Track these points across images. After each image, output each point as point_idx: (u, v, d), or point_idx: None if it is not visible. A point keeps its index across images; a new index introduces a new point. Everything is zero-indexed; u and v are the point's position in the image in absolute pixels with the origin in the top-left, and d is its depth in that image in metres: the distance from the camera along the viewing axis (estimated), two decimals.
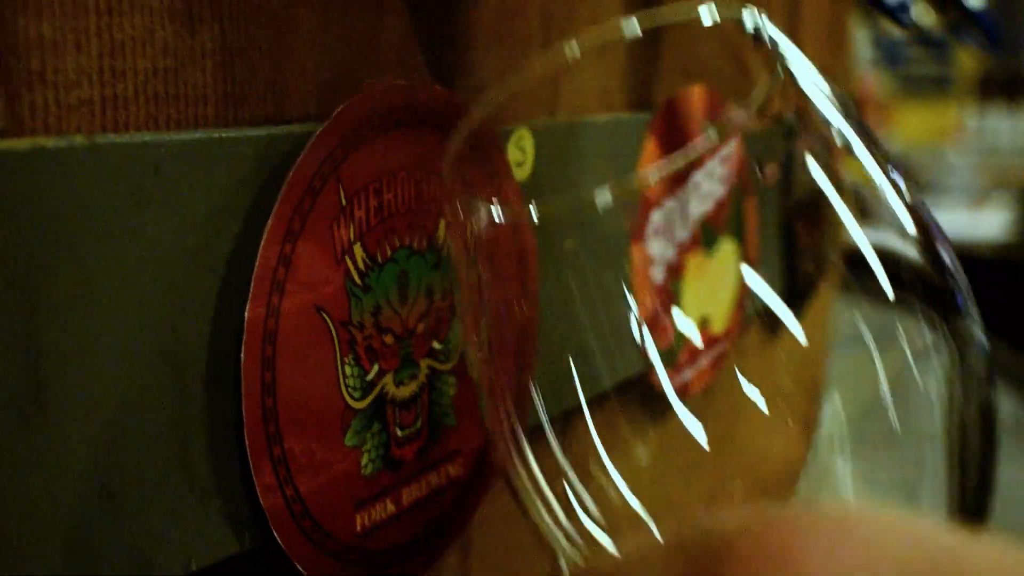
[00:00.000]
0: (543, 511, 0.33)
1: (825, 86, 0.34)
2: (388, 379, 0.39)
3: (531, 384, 0.34)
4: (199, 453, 0.34)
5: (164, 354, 0.33)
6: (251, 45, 0.36)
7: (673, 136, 0.57)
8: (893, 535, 0.21)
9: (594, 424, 0.33)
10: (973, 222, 2.60)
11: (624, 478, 0.33)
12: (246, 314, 0.34)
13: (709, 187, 0.50)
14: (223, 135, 0.34)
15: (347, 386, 0.37)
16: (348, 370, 0.38)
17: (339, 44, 0.39)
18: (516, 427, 0.33)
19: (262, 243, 0.34)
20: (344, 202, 0.37)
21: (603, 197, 0.30)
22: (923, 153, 3.17)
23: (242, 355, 0.34)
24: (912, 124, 3.20)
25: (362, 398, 0.38)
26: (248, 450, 0.34)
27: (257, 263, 0.34)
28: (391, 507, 0.40)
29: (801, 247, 0.35)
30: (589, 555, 0.32)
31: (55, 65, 0.31)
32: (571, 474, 0.33)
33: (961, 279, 0.31)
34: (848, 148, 0.33)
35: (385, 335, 0.39)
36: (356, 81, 0.40)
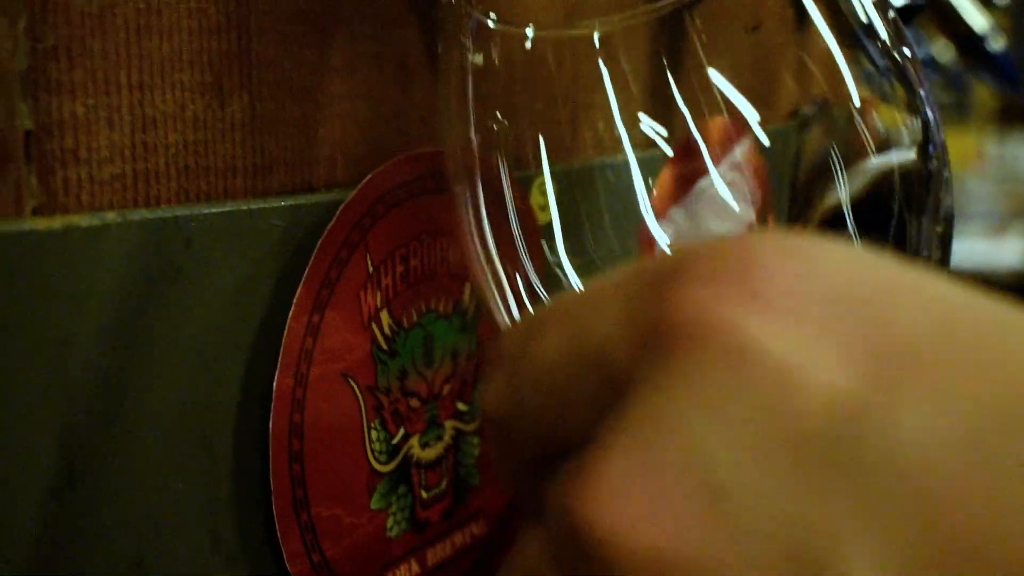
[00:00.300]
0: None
1: None
2: (414, 442, 0.40)
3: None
4: (227, 522, 0.34)
5: (193, 426, 0.33)
6: (280, 116, 0.37)
7: (689, 168, 0.57)
8: (853, 262, 0.20)
9: None
10: (993, 250, 2.59)
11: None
12: (275, 384, 0.34)
13: (726, 202, 0.50)
14: (252, 207, 0.35)
15: (373, 451, 0.38)
16: (374, 435, 0.38)
17: (367, 113, 0.40)
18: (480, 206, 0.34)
19: (290, 314, 0.35)
20: (371, 269, 0.37)
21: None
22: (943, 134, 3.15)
23: (271, 425, 0.34)
24: None
25: (388, 462, 0.38)
26: (276, 518, 0.35)
27: (285, 334, 0.35)
28: (416, 568, 0.40)
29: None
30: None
31: (88, 142, 0.32)
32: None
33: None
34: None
35: (411, 399, 0.39)
36: (384, 148, 0.40)
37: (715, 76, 0.39)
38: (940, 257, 0.35)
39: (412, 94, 0.42)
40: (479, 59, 0.37)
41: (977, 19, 0.73)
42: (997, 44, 0.86)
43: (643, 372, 0.20)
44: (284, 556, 0.35)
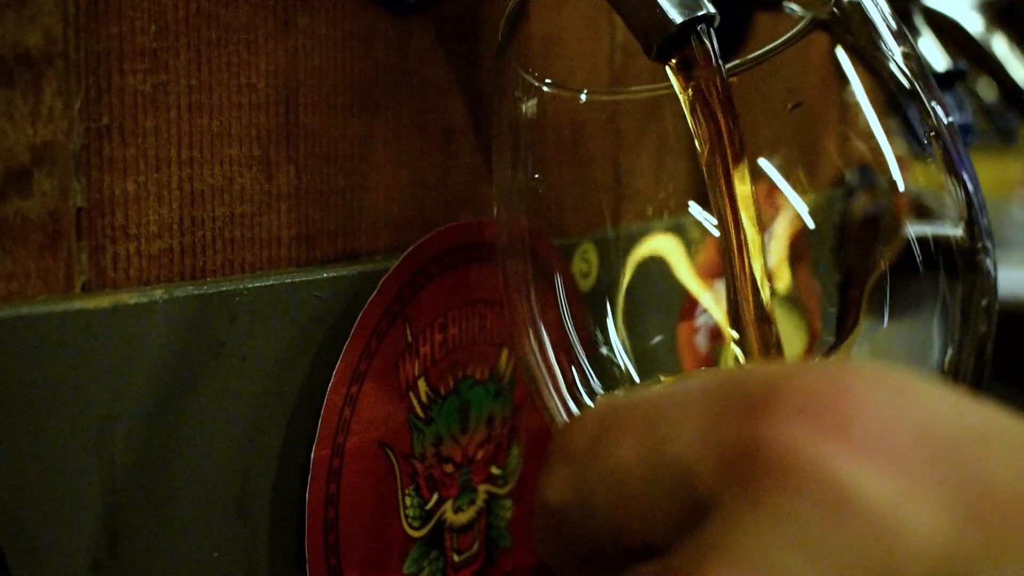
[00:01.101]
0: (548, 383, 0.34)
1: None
2: (447, 506, 0.40)
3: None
4: None
5: (232, 498, 0.34)
6: (325, 186, 0.38)
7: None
8: (944, 404, 0.21)
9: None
10: None
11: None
12: (312, 455, 0.35)
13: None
14: (295, 279, 0.36)
15: (407, 516, 0.38)
16: (408, 500, 0.38)
17: (410, 181, 0.40)
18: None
19: (330, 386, 0.35)
20: (410, 339, 0.38)
21: None
22: (988, 209, 3.13)
23: (307, 495, 0.35)
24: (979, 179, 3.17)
25: (421, 527, 0.39)
26: None
27: (324, 406, 0.35)
28: None
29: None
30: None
31: (138, 218, 0.33)
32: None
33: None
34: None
35: (446, 464, 0.40)
36: (426, 215, 0.41)
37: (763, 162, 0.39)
38: (985, 331, 0.35)
39: (456, 160, 0.42)
40: (531, 113, 0.37)
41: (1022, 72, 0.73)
42: None
43: (731, 501, 0.20)
44: None
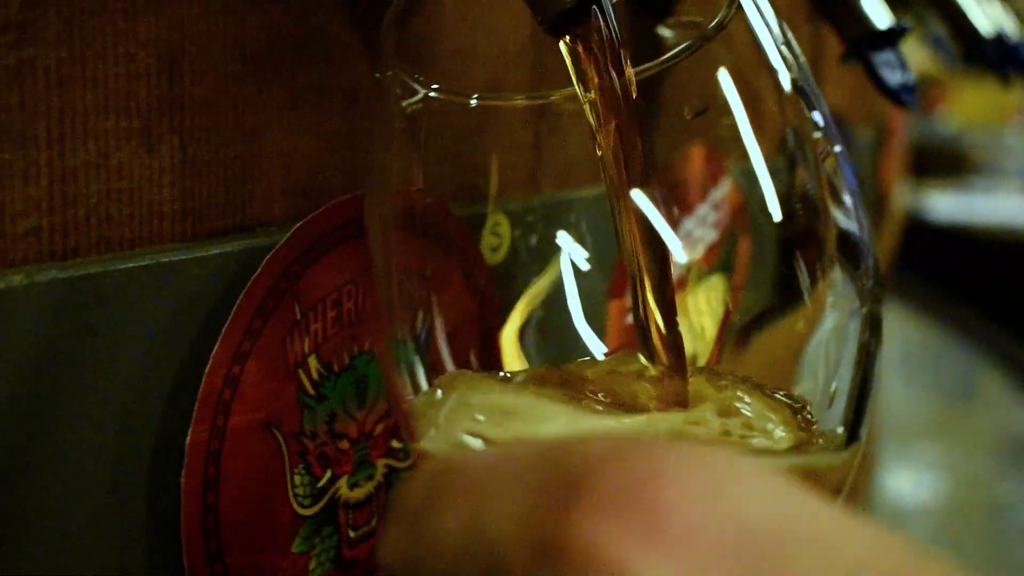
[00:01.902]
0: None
1: (778, 31, 0.34)
2: (342, 483, 0.40)
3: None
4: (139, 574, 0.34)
5: (107, 483, 0.33)
6: (214, 158, 0.37)
7: (672, 203, 0.56)
8: (759, 500, 0.21)
9: None
10: None
11: None
12: (187, 438, 0.34)
13: (701, 233, 0.49)
14: (172, 258, 0.35)
15: (296, 495, 0.38)
16: (298, 479, 0.38)
17: (310, 150, 0.39)
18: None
19: (207, 368, 0.34)
20: (300, 316, 0.37)
21: None
22: (980, 134, 3.11)
23: (182, 479, 0.34)
24: (969, 103, 3.14)
25: (312, 505, 0.38)
26: (186, 569, 0.35)
27: (201, 388, 0.34)
28: None
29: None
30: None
31: (1, 197, 0.32)
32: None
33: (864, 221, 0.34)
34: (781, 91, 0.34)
35: (340, 441, 0.39)
36: (331, 182, 0.40)
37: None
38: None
39: (363, 125, 0.41)
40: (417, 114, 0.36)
41: (983, 21, 0.71)
42: (1015, 34, 0.84)
43: None
44: None
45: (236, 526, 0.36)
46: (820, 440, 0.33)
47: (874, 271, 0.34)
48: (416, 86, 0.35)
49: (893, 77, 0.51)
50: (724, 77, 0.34)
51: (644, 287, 0.34)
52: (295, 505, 0.38)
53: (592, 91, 0.34)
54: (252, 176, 0.38)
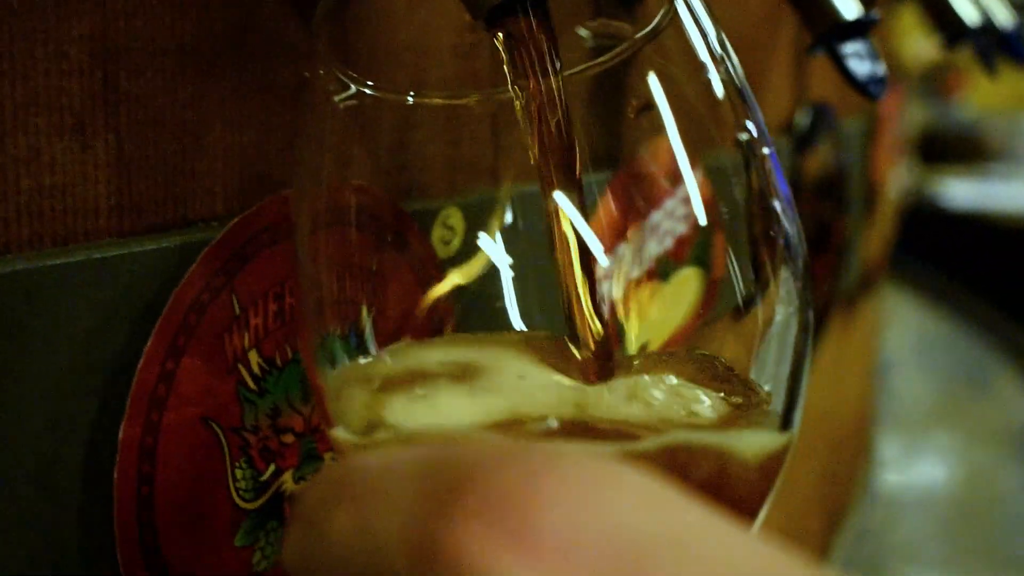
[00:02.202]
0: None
1: (712, 33, 0.35)
2: (287, 477, 0.40)
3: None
4: (75, 571, 0.35)
5: (39, 479, 0.33)
6: (152, 153, 0.37)
7: (637, 195, 0.56)
8: (633, 509, 0.21)
9: None
10: None
11: None
12: (120, 434, 0.34)
13: (669, 225, 0.49)
14: (106, 254, 0.35)
15: (237, 489, 0.38)
16: (239, 473, 0.38)
17: (253, 144, 0.39)
18: None
19: (140, 364, 0.35)
20: (238, 311, 0.37)
21: None
22: (999, 120, 3.08)
23: (115, 474, 0.34)
24: (989, 90, 3.11)
25: (255, 499, 0.39)
26: (121, 565, 0.35)
27: (134, 383, 0.34)
28: None
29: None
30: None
31: None
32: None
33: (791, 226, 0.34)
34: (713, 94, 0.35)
35: (284, 435, 0.39)
36: (273, 181, 0.40)
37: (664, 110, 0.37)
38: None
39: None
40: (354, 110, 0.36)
41: (969, 11, 0.71)
42: (1007, 22, 0.83)
43: None
44: None
45: (173, 520, 0.36)
46: (751, 421, 0.33)
47: (804, 273, 0.34)
48: (349, 83, 0.35)
49: (861, 68, 0.51)
50: (654, 82, 0.34)
51: (569, 282, 0.34)
52: (237, 499, 0.38)
53: (523, 89, 0.34)
54: (193, 172, 0.38)
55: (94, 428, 0.35)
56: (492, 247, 0.40)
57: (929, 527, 1.21)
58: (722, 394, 0.34)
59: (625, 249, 0.54)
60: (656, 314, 0.44)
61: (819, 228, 0.77)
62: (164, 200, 0.37)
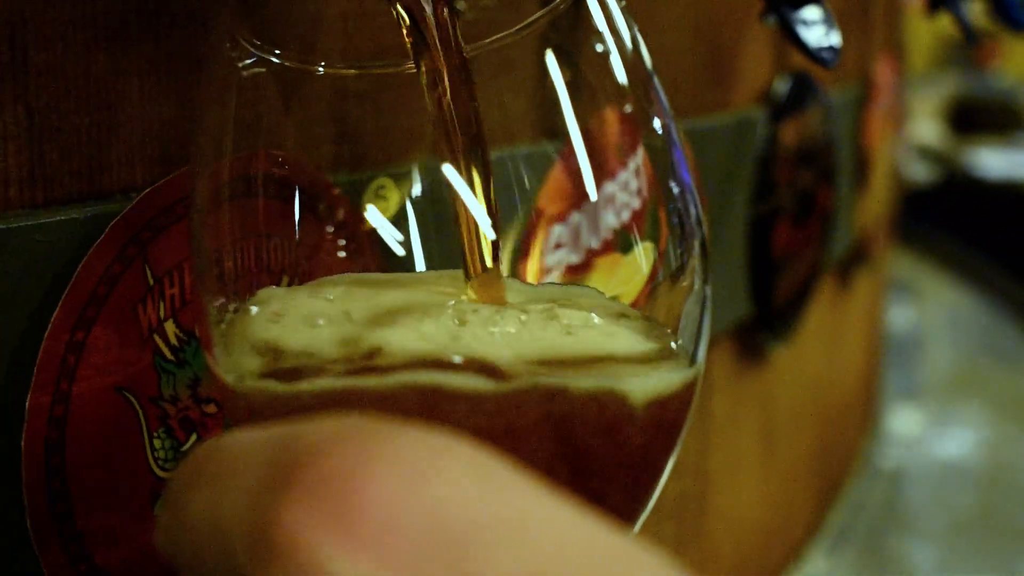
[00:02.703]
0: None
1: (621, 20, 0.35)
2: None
3: None
4: None
5: None
6: (64, 124, 0.37)
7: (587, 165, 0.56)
8: (463, 490, 0.20)
9: None
10: None
11: None
12: (27, 403, 0.35)
13: (626, 199, 0.49)
14: (14, 225, 0.35)
15: (157, 459, 0.38)
16: (158, 443, 0.38)
17: (174, 115, 0.39)
18: None
19: (46, 333, 0.35)
20: (152, 282, 0.37)
21: None
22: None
23: (23, 443, 0.35)
24: (1022, 59, 3.06)
25: (175, 469, 0.39)
26: (31, 532, 0.35)
27: (40, 353, 0.35)
28: None
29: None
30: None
31: None
32: None
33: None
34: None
35: (206, 405, 0.39)
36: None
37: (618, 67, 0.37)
38: None
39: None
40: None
41: None
42: None
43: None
44: (43, 569, 0.36)
45: (87, 489, 0.36)
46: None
47: (702, 250, 0.34)
48: (256, 51, 0.35)
49: (811, 36, 0.50)
50: (551, 61, 0.34)
51: (468, 245, 0.34)
52: (156, 468, 0.38)
53: (421, 60, 0.34)
54: (108, 143, 0.38)
55: (2, 397, 0.35)
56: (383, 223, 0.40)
57: (933, 500, 1.20)
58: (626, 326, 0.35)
59: (580, 217, 0.53)
60: (615, 286, 0.44)
61: (800, 197, 0.76)
62: (79, 172, 0.37)
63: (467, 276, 0.34)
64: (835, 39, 0.51)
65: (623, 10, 0.35)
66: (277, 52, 0.36)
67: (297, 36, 0.40)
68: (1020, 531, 1.14)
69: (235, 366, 0.31)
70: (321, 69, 0.37)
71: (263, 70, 0.36)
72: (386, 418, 0.23)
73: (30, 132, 0.36)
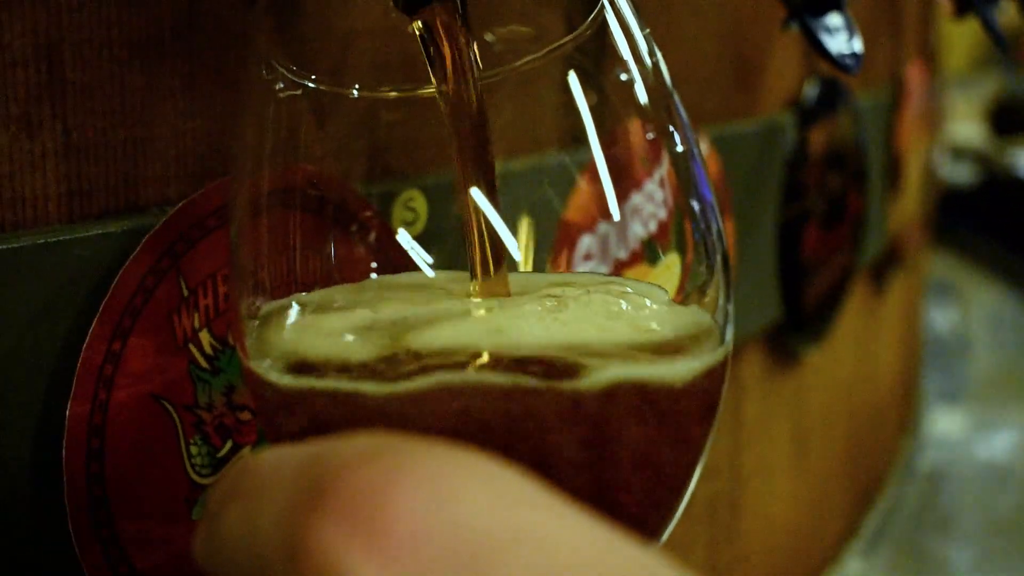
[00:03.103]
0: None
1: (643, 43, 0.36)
2: (245, 452, 0.41)
3: None
4: (28, 545, 0.36)
5: None
6: (101, 140, 0.38)
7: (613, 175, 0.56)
8: (487, 505, 0.21)
9: None
10: None
11: None
12: (67, 412, 0.36)
13: (652, 209, 0.50)
14: (50, 239, 0.36)
15: (194, 465, 0.39)
16: (195, 450, 0.39)
17: (205, 129, 0.40)
18: None
19: (85, 344, 0.36)
20: (186, 293, 0.38)
21: None
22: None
23: (63, 452, 0.36)
24: None
25: (211, 474, 0.40)
26: (72, 535, 0.36)
27: (79, 363, 0.36)
28: None
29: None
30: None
31: None
32: None
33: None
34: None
35: (241, 412, 0.40)
36: (226, 163, 0.41)
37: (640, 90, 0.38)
38: None
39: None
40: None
41: None
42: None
43: None
44: (84, 572, 0.37)
45: (126, 496, 0.37)
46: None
47: (724, 265, 0.35)
48: (292, 76, 0.36)
49: (834, 43, 0.51)
50: (574, 81, 0.35)
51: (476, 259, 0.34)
52: (193, 474, 0.39)
53: (443, 82, 0.35)
54: (143, 158, 0.39)
55: (44, 408, 0.36)
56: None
57: (972, 501, 1.20)
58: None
59: (608, 228, 0.54)
60: None
61: (830, 201, 0.76)
62: (115, 186, 0.38)
63: (472, 276, 0.35)
64: (857, 46, 0.51)
65: (646, 36, 0.36)
66: (312, 77, 0.37)
67: (329, 55, 0.41)
68: None
69: (266, 355, 0.33)
70: (355, 92, 0.38)
71: (298, 92, 0.37)
72: (414, 433, 0.24)
73: (67, 149, 0.37)
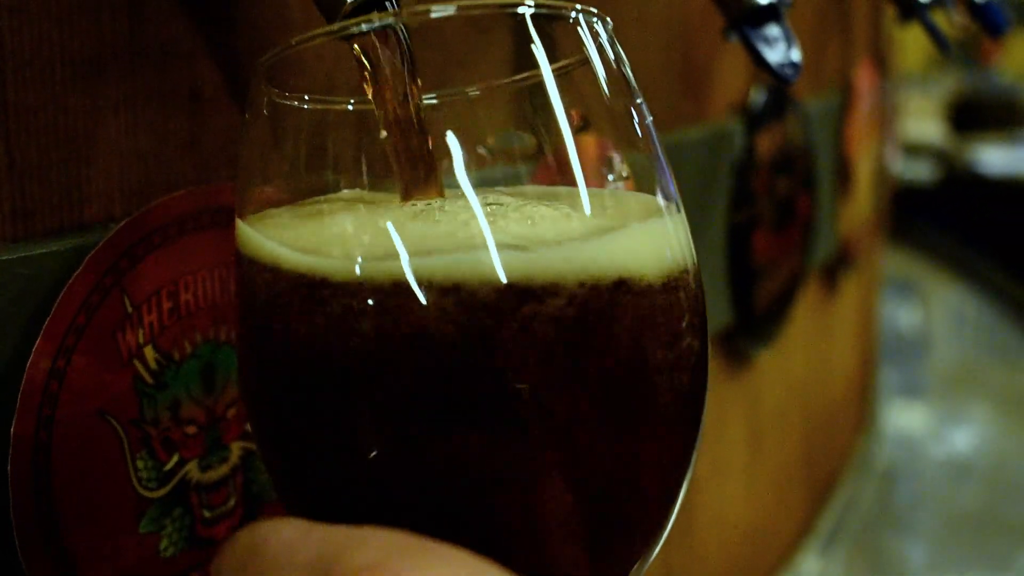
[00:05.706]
0: None
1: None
2: (191, 466, 0.41)
3: None
4: None
5: None
6: (44, 160, 0.38)
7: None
8: None
9: None
10: None
11: None
12: (12, 429, 0.36)
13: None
14: None
15: (140, 479, 0.40)
16: (140, 464, 0.40)
17: (150, 148, 0.41)
18: None
19: (28, 363, 0.36)
20: (130, 309, 0.39)
21: None
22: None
23: (8, 468, 0.36)
24: (1022, 55, 3.07)
25: (158, 488, 0.40)
26: (19, 551, 0.37)
27: (23, 382, 0.36)
28: None
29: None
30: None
31: None
32: None
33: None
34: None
35: (187, 426, 0.41)
36: (175, 178, 0.41)
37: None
38: None
39: (208, 121, 0.43)
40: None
41: None
42: None
43: None
44: None
45: (73, 510, 0.38)
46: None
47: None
48: (287, 101, 0.36)
49: (772, 54, 0.52)
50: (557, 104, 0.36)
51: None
52: (140, 488, 0.40)
53: (378, 102, 0.35)
54: (87, 177, 0.39)
55: None
56: None
57: (929, 498, 1.21)
58: None
59: None
60: None
61: (779, 205, 0.77)
62: (59, 205, 0.39)
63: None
64: (796, 55, 0.52)
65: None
66: (306, 98, 0.37)
67: (319, 85, 0.41)
68: (1018, 527, 1.15)
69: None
70: (350, 106, 0.38)
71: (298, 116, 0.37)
72: (423, 538, 0.25)
73: (10, 169, 0.38)
